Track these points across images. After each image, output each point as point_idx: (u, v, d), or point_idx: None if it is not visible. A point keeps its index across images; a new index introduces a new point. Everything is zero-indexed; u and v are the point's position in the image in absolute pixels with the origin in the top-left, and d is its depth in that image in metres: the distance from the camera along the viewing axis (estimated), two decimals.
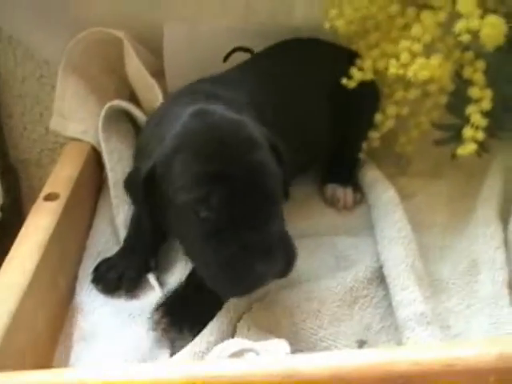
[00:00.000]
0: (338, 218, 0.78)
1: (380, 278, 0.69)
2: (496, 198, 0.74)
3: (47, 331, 0.62)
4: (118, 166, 0.77)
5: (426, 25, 0.71)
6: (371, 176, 0.80)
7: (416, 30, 0.72)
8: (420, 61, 0.70)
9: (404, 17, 0.74)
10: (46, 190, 0.71)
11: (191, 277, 0.66)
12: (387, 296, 0.67)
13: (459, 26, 0.68)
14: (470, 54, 0.73)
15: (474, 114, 0.72)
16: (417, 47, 0.71)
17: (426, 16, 0.72)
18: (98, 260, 0.71)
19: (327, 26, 0.76)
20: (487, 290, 0.66)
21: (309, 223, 0.77)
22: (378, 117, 0.79)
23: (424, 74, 0.71)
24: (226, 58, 0.83)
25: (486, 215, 0.73)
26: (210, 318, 0.62)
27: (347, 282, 0.67)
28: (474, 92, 0.72)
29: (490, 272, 0.67)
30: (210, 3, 0.84)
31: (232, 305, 0.63)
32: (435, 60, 0.71)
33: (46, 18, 0.82)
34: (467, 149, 0.72)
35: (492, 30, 0.67)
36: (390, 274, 0.67)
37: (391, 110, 0.78)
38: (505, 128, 0.77)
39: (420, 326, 0.61)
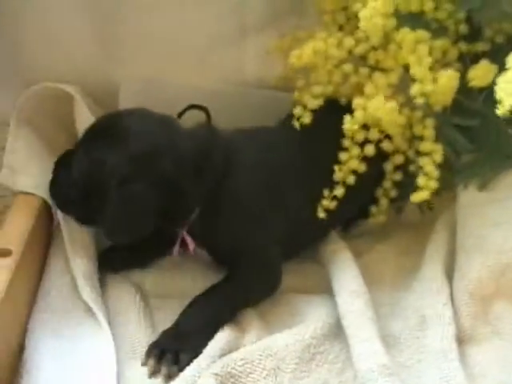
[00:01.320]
0: (291, 277, 0.79)
1: (335, 333, 0.71)
2: (441, 254, 0.79)
3: None
4: (71, 220, 0.77)
5: (379, 85, 0.76)
6: None
7: (369, 89, 0.76)
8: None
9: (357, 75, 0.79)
10: None
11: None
12: (342, 351, 0.70)
13: (414, 89, 0.72)
14: (419, 113, 0.77)
15: (427, 165, 0.75)
16: (371, 104, 0.74)
17: (379, 77, 0.76)
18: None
19: (296, 96, 0.80)
20: (436, 344, 0.70)
21: None
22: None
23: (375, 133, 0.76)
24: (180, 115, 0.85)
25: (431, 271, 0.77)
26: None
27: (305, 338, 0.69)
28: (425, 146, 0.76)
29: (438, 327, 0.71)
30: (165, 61, 0.86)
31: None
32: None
33: None
34: (420, 196, 0.75)
35: (448, 82, 0.72)
36: (350, 326, 0.70)
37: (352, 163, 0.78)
38: (447, 187, 0.82)
39: (383, 377, 0.64)
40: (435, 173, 0.75)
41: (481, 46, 0.78)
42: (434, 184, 0.75)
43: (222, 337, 0.69)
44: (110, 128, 0.73)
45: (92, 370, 0.65)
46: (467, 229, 0.78)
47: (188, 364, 0.65)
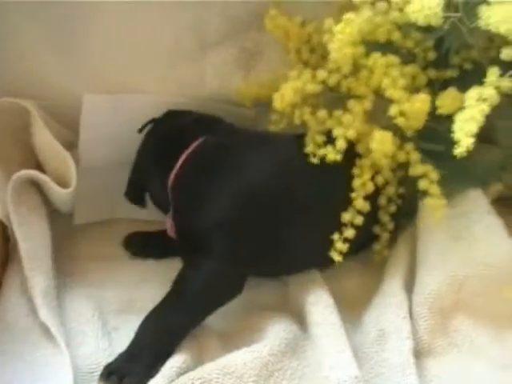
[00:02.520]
0: (251, 293, 0.79)
1: (292, 349, 0.72)
2: (400, 269, 0.80)
3: None
4: (29, 237, 0.77)
5: (355, 112, 0.77)
6: None
7: (346, 118, 0.77)
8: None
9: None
10: None
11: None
12: (299, 366, 0.71)
13: (393, 111, 0.73)
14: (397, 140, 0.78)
15: (428, 187, 0.76)
16: (351, 133, 0.76)
17: (353, 105, 0.77)
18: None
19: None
20: (395, 359, 0.71)
21: None
22: None
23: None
24: (141, 130, 0.86)
25: (390, 286, 0.78)
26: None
27: (263, 355, 0.69)
28: (416, 170, 0.77)
29: (396, 341, 0.72)
30: (126, 76, 0.87)
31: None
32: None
33: None
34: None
35: (422, 105, 0.73)
36: (325, 336, 0.71)
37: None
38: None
39: None
40: (438, 190, 0.76)
41: (449, 73, 0.79)
42: (441, 202, 0.76)
43: (180, 356, 0.69)
44: None
45: None
46: (427, 243, 0.80)
47: None
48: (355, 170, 0.78)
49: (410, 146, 0.78)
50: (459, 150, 0.64)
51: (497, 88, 0.67)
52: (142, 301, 0.78)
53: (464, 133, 0.64)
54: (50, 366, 0.69)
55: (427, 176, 0.76)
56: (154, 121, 0.86)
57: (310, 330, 0.74)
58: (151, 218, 0.89)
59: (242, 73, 0.88)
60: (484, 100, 0.65)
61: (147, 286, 0.81)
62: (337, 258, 0.76)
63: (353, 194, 0.77)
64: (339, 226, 0.76)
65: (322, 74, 0.78)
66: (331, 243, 0.76)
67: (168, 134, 0.83)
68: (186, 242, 0.77)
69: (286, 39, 0.85)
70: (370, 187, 0.78)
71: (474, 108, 0.64)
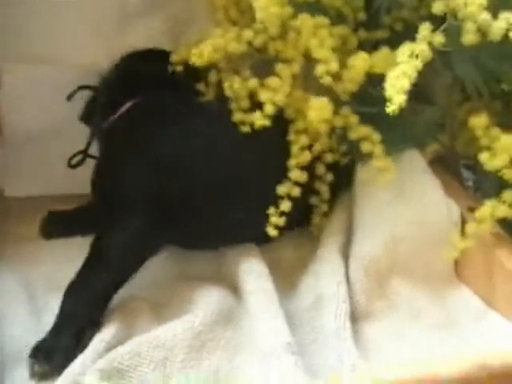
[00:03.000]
0: (185, 264, 0.80)
1: (226, 319, 0.71)
2: (336, 235, 0.79)
3: None
4: None
5: (284, 77, 0.75)
6: None
7: (274, 81, 0.75)
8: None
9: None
10: None
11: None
12: (234, 335, 0.70)
13: (319, 70, 0.72)
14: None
15: (372, 147, 0.76)
16: (278, 97, 0.74)
17: (282, 68, 0.75)
18: None
19: None
20: (331, 324, 0.70)
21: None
22: None
23: None
24: (69, 97, 0.84)
25: (327, 252, 0.77)
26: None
27: (195, 326, 0.68)
28: (358, 133, 0.76)
29: (333, 306, 0.71)
30: (48, 45, 0.85)
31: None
32: None
33: None
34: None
35: (362, 63, 0.72)
36: (257, 304, 0.70)
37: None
38: None
39: (286, 355, 0.64)
40: (381, 151, 0.75)
41: (380, 34, 0.78)
42: (387, 162, 0.75)
43: (109, 329, 0.67)
44: None
45: None
46: (363, 207, 0.79)
47: (64, 361, 0.64)
48: (290, 137, 0.77)
49: (347, 110, 0.77)
50: (392, 108, 0.62)
51: (429, 44, 0.66)
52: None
53: (396, 90, 0.62)
54: None
55: (369, 138, 0.76)
56: (81, 88, 0.85)
57: (243, 298, 0.73)
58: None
59: (170, 42, 0.86)
60: (416, 56, 0.64)
61: (75, 263, 0.79)
62: (272, 232, 0.75)
63: (288, 163, 0.76)
64: (275, 200, 0.75)
65: (247, 33, 0.76)
66: (266, 218, 0.74)
67: (114, 84, 0.83)
68: (106, 201, 0.76)
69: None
70: (307, 156, 0.77)
71: (406, 64, 0.63)
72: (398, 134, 0.78)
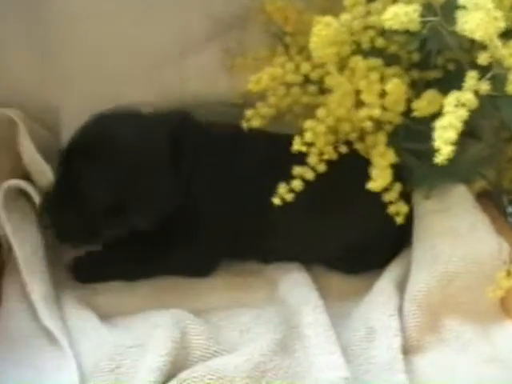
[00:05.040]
0: (238, 291, 0.85)
1: (282, 349, 0.75)
2: (397, 267, 0.84)
3: None
4: (24, 243, 0.80)
5: (331, 108, 0.80)
6: None
7: (321, 112, 0.80)
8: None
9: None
10: None
11: None
12: (292, 365, 0.74)
13: (362, 113, 0.77)
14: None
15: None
16: (320, 128, 0.79)
17: (332, 100, 0.79)
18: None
19: (245, 125, 0.83)
20: (383, 356, 0.74)
21: (209, 297, 0.84)
22: None
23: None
24: None
25: (381, 284, 0.82)
26: None
27: (254, 357, 0.72)
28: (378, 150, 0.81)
29: (385, 339, 0.76)
30: (107, 80, 0.90)
31: None
32: None
33: None
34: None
35: (396, 88, 0.76)
36: (316, 337, 0.75)
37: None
38: None
39: None
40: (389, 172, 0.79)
41: (433, 74, 0.82)
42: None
43: (166, 350, 0.71)
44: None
45: None
46: (419, 239, 0.83)
47: None
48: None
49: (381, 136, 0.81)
50: (440, 159, 0.66)
51: (475, 92, 0.69)
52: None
53: (443, 141, 0.66)
54: (55, 369, 0.71)
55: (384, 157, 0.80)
56: None
57: (299, 330, 0.77)
58: None
59: (225, 73, 0.91)
60: (463, 105, 0.67)
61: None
62: (276, 201, 0.79)
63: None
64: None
65: (305, 66, 0.81)
66: None
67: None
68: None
69: (284, 23, 0.87)
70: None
71: (453, 114, 0.66)
72: (445, 168, 0.82)
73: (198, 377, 0.69)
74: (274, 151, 0.85)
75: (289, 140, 0.80)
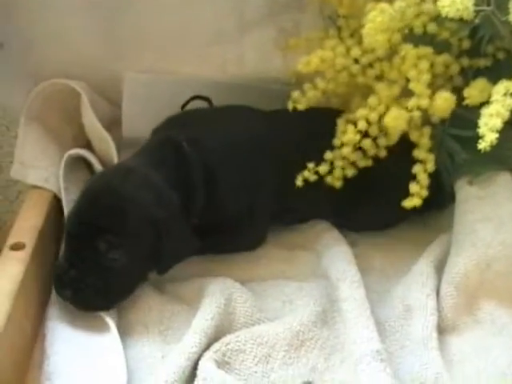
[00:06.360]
0: (284, 263, 0.89)
1: (322, 320, 0.80)
2: (433, 249, 0.88)
3: (14, 375, 0.70)
4: None
5: (382, 96, 0.83)
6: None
7: (372, 100, 0.83)
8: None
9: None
10: (11, 240, 0.78)
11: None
12: (330, 337, 0.79)
13: (411, 103, 0.79)
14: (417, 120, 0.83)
15: (420, 173, 0.83)
16: (373, 116, 0.82)
17: (382, 89, 0.83)
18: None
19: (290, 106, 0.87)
20: (418, 333, 0.78)
21: (256, 268, 0.89)
22: None
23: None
24: (183, 106, 0.93)
25: (420, 264, 0.85)
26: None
27: (294, 326, 0.77)
28: (419, 154, 0.84)
29: (421, 317, 0.79)
30: (167, 56, 0.95)
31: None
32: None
33: (6, 66, 0.91)
34: (412, 202, 0.83)
35: (444, 103, 0.79)
36: (352, 311, 0.78)
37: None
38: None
39: (375, 362, 0.73)
40: (427, 181, 0.82)
41: (482, 62, 0.83)
42: (424, 192, 0.82)
43: (212, 314, 0.76)
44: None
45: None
46: (460, 224, 0.86)
47: None
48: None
49: (426, 130, 0.84)
50: (483, 145, 0.68)
51: None
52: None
53: (488, 128, 0.68)
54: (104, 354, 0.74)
55: (424, 164, 0.84)
56: (195, 98, 0.94)
57: (338, 304, 0.81)
58: None
59: (280, 53, 0.94)
60: (511, 94, 0.70)
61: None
62: (299, 182, 0.84)
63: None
64: None
65: (355, 51, 0.84)
66: None
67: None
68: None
69: (338, 5, 0.89)
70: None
71: (500, 103, 0.69)
72: (489, 156, 0.84)
73: (240, 341, 0.74)
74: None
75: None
